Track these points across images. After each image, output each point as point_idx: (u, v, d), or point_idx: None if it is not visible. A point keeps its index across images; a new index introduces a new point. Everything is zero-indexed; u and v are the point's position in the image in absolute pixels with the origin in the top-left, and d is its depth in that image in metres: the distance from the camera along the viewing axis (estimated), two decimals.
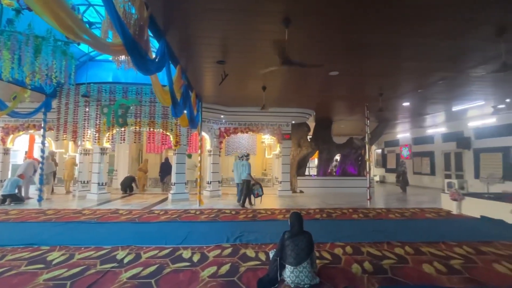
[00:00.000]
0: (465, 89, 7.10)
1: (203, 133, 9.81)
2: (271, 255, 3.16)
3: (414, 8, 3.43)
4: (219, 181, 10.18)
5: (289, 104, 9.36)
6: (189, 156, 10.62)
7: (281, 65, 3.67)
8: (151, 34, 3.70)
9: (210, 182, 9.81)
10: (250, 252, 3.81)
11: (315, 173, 13.20)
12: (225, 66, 5.37)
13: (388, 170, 17.16)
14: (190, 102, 5.89)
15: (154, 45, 4.66)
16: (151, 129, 8.49)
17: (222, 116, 9.88)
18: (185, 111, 5.81)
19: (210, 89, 7.38)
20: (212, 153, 9.99)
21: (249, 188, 7.70)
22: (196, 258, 3.57)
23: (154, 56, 3.37)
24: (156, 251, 3.80)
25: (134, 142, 8.53)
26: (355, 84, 6.88)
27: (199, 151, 8.26)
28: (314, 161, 15.52)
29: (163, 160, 11.66)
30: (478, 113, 10.23)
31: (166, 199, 8.82)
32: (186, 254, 3.71)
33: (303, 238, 2.86)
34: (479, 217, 6.23)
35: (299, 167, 12.05)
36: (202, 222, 5.69)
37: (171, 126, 8.32)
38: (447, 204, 7.24)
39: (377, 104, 7.91)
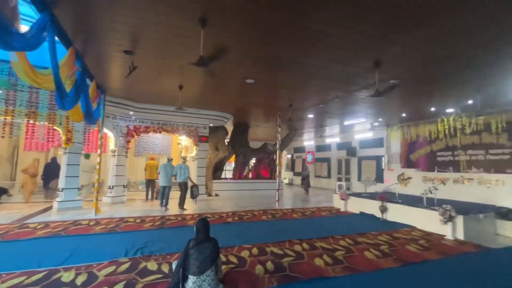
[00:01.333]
0: (353, 107, 8.66)
1: (106, 131, 8.55)
2: (174, 266, 2.95)
3: (315, 32, 3.92)
4: (124, 185, 9.03)
5: (208, 106, 9.23)
6: (87, 156, 9.04)
7: (196, 65, 3.53)
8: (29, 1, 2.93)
9: (113, 186, 8.59)
10: (152, 265, 3.47)
11: (231, 176, 13.45)
12: (134, 57, 4.81)
13: (296, 174, 19.17)
14: (86, 93, 5.00)
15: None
16: (32, 122, 6.79)
17: (131, 113, 8.85)
18: (79, 103, 4.89)
19: (116, 81, 6.49)
20: (117, 153, 8.79)
21: (186, 191, 7.88)
22: (80, 280, 2.98)
23: (30, 28, 2.65)
24: (23, 278, 2.98)
25: (2, 137, 6.60)
26: (269, 93, 7.37)
27: (99, 151, 7.10)
28: (232, 164, 15.84)
29: (49, 160, 9.53)
30: (361, 127, 12.66)
31: (50, 208, 7.19)
32: (67, 276, 3.05)
33: (209, 245, 2.79)
34: (359, 212, 7.64)
35: (216, 171, 12.01)
36: (96, 235, 4.86)
37: (61, 119, 6.87)
38: (338, 203, 8.58)
39: (288, 114, 8.72)
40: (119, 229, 5.26)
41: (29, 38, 2.50)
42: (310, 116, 10.25)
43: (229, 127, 12.85)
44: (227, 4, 3.24)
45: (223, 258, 3.73)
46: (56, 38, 3.55)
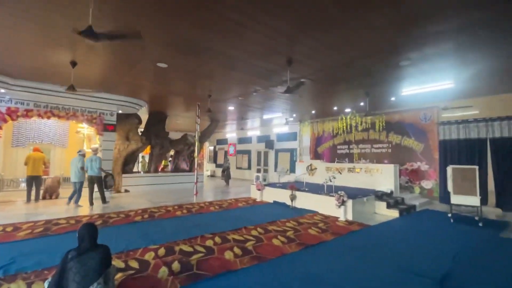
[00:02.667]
0: (271, 102, 9.09)
1: None
2: (46, 286, 2.38)
3: (230, 21, 3.78)
4: None
5: (114, 90, 8.00)
6: None
7: (81, 35, 2.87)
8: None
9: None
10: (18, 286, 2.73)
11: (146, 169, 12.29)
12: None
13: (218, 166, 19.12)
14: None
15: None
16: None
17: (3, 91, 6.83)
18: None
19: None
20: None
21: (102, 184, 7.54)
22: None
23: None
24: None
25: None
26: (186, 81, 6.91)
27: None
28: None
29: None
30: (278, 122, 13.52)
31: None
32: None
33: (95, 255, 2.35)
34: (272, 201, 8.14)
35: (126, 164, 10.70)
36: None
37: None
38: (255, 193, 8.94)
39: (207, 104, 8.44)
40: None
41: None
42: (231, 108, 10.24)
43: (144, 115, 11.61)
44: None
45: (121, 265, 3.28)
46: None
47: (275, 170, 14.08)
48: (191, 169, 12.70)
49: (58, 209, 6.61)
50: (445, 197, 7.47)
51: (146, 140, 11.08)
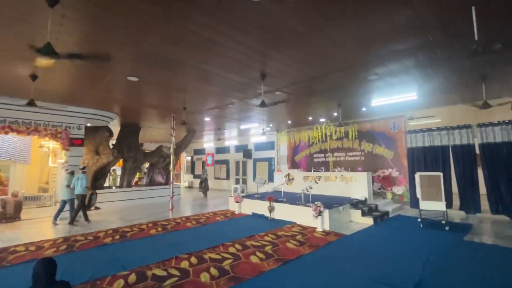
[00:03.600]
0: (247, 113, 9.11)
1: None
2: None
3: (201, 38, 3.77)
4: None
5: (81, 103, 7.59)
6: None
7: (37, 53, 2.68)
8: None
9: None
10: None
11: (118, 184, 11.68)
12: None
13: (196, 176, 18.67)
14: None
15: None
16: None
17: None
18: None
19: None
20: None
21: (83, 204, 7.36)
22: None
23: None
24: None
25: None
26: (160, 94, 6.73)
27: None
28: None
29: None
30: (255, 131, 13.58)
31: None
32: None
33: None
34: (251, 213, 8.06)
35: (97, 179, 10.11)
36: None
37: None
38: (233, 205, 8.80)
39: (182, 116, 8.26)
40: None
41: None
42: (207, 119, 10.12)
43: (116, 128, 11.11)
44: None
45: None
46: None
47: (254, 180, 14.04)
48: (167, 182, 12.28)
49: (17, 235, 6.03)
50: (415, 202, 7.85)
51: (118, 154, 10.57)
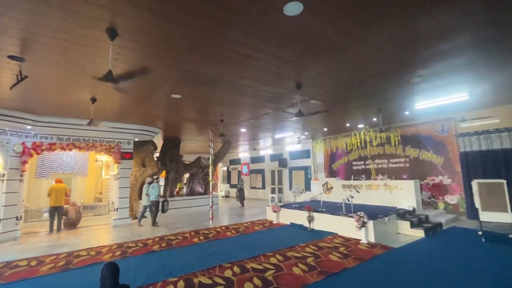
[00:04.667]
0: (282, 123, 9.15)
1: None
2: None
3: (240, 55, 3.95)
4: (17, 218, 7.26)
5: (131, 120, 8.34)
6: None
7: (102, 80, 3.08)
8: None
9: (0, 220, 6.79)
10: None
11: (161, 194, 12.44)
12: (24, 65, 3.93)
13: (232, 186, 19.08)
14: None
15: None
16: None
17: (29, 127, 7.27)
18: None
19: (2, 91, 5.21)
20: (6, 178, 7.02)
21: (157, 209, 8.57)
22: None
23: None
24: None
25: None
26: (199, 109, 7.12)
27: None
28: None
29: None
30: (290, 140, 13.51)
31: None
32: None
33: None
34: (289, 223, 7.96)
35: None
36: None
37: None
38: (271, 215, 8.79)
39: (219, 128, 8.60)
40: (1, 280, 4.09)
41: None
42: (243, 130, 10.38)
43: (159, 141, 11.95)
44: (138, 17, 2.94)
45: None
46: None
47: (290, 189, 13.89)
48: (206, 192, 12.75)
49: (79, 240, 6.74)
50: (473, 212, 7.05)
51: (162, 165, 11.32)
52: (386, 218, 6.38)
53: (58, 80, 4.74)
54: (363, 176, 10.15)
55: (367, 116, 8.51)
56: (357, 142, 10.78)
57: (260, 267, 4.39)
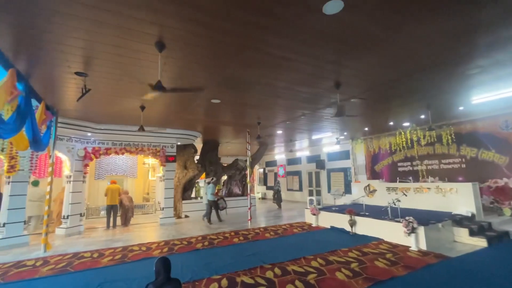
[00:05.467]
0: (319, 124, 8.94)
1: (60, 154, 7.83)
2: None
3: (275, 57, 3.98)
4: (81, 214, 8.21)
5: (174, 125, 8.90)
6: (35, 183, 8.13)
7: (153, 90, 3.36)
8: None
9: (67, 216, 7.76)
10: None
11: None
12: (87, 79, 4.47)
13: (269, 188, 19.14)
14: (33, 118, 4.50)
15: None
16: None
17: (89, 134, 8.21)
18: (23, 130, 4.38)
19: (70, 103, 5.97)
20: (72, 179, 8.01)
21: (216, 207, 9.45)
22: None
23: None
24: None
25: None
26: (237, 112, 7.31)
27: (49, 178, 6.36)
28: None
29: None
30: (328, 141, 13.11)
31: None
32: None
33: None
34: (329, 227, 7.71)
35: (185, 190, 11.52)
36: (42, 279, 4.25)
37: (2, 144, 6.11)
38: (309, 217, 8.62)
39: (257, 131, 8.72)
40: (71, 269, 4.67)
41: None
42: (279, 132, 10.38)
43: (198, 144, 12.53)
44: (182, 29, 3.16)
45: None
46: None
47: (329, 191, 13.47)
48: (243, 193, 12.98)
49: (131, 236, 7.37)
50: None
51: (202, 168, 11.84)
52: (440, 224, 5.82)
53: (113, 91, 5.29)
54: (411, 178, 9.40)
55: (413, 114, 7.88)
56: (402, 141, 10.04)
57: (301, 270, 4.34)
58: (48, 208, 6.11)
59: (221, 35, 3.32)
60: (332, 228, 7.59)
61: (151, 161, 12.87)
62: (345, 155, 13.24)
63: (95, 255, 5.47)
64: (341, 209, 8.04)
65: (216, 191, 9.49)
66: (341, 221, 7.40)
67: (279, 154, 18.41)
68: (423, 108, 7.11)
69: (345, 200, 10.80)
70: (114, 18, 2.92)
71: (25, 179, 6.67)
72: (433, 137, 9.27)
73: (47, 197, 6.12)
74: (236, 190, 13.31)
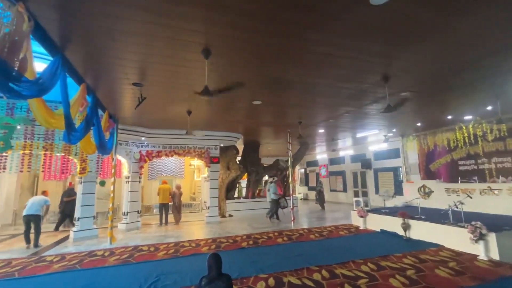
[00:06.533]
0: (364, 120, 8.46)
1: (120, 157, 8.73)
2: None
3: (317, 54, 3.89)
4: (138, 211, 9.06)
5: (217, 127, 9.28)
6: (102, 183, 9.21)
7: (200, 96, 3.56)
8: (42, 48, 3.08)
9: (127, 212, 8.63)
10: None
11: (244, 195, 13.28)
12: (143, 89, 4.92)
13: (310, 188, 18.72)
14: (99, 126, 5.12)
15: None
16: (49, 153, 7.02)
17: (143, 139, 9.02)
18: (92, 136, 5.01)
19: (128, 111, 6.64)
20: (130, 179, 8.89)
21: (277, 206, 9.77)
22: None
23: (41, 74, 2.75)
24: None
25: (21, 171, 6.82)
26: (277, 112, 7.33)
27: (113, 178, 7.16)
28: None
29: (65, 189, 9.73)
30: (375, 139, 12.31)
31: (66, 238, 7.26)
32: None
33: (221, 284, 2.64)
34: (379, 230, 7.24)
35: (228, 190, 11.91)
36: (110, 267, 4.80)
37: (76, 149, 7.06)
38: (356, 220, 8.20)
39: (298, 130, 8.61)
40: (133, 260, 5.18)
41: (42, 84, 2.58)
42: (321, 131, 10.10)
43: (240, 146, 12.84)
44: (226, 35, 3.29)
45: None
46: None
47: (377, 193, 12.65)
48: (285, 194, 12.91)
49: (181, 233, 7.88)
50: None
51: (244, 168, 12.12)
52: None
53: (164, 98, 5.74)
54: (475, 178, 8.31)
55: (477, 105, 6.97)
56: (463, 137, 8.94)
57: (350, 274, 4.15)
58: (112, 205, 6.88)
59: (264, 37, 3.37)
60: (383, 231, 7.11)
61: (196, 162, 13.59)
62: (394, 153, 12.30)
63: (152, 249, 5.97)
64: (392, 212, 7.49)
65: (275, 191, 9.80)
66: (392, 224, 6.89)
67: (320, 154, 17.89)
68: (491, 98, 6.24)
69: (396, 201, 10.01)
70: (164, 30, 3.17)
71: (94, 179, 7.61)
72: (503, 131, 8.06)
73: (111, 195, 6.89)
74: (278, 190, 13.28)
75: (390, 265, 4.49)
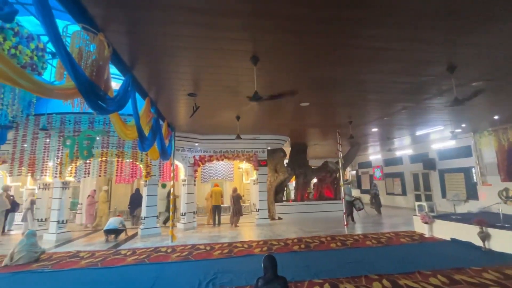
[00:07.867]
0: (425, 116, 7.63)
1: (177, 162, 9.49)
2: None
3: (369, 49, 3.68)
4: (194, 212, 9.71)
5: (264, 131, 9.43)
6: (164, 186, 10.14)
7: (250, 101, 3.69)
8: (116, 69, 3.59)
9: (185, 213, 9.32)
10: None
11: (293, 198, 13.15)
12: (196, 98, 5.31)
13: (363, 191, 17.58)
14: (160, 134, 5.68)
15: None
16: (120, 160, 8.04)
17: (196, 144, 9.67)
18: (155, 144, 5.59)
19: (183, 119, 7.23)
20: (186, 182, 9.60)
21: (351, 208, 9.72)
22: None
23: (117, 91, 3.21)
24: None
25: (99, 176, 7.95)
26: (325, 113, 7.12)
27: (172, 182, 7.86)
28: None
29: (133, 191, 10.98)
30: (439, 136, 10.99)
31: (135, 235, 8.17)
32: None
33: (278, 286, 2.68)
34: (449, 239, 6.41)
35: (277, 193, 11.94)
36: (172, 263, 5.25)
37: (141, 156, 7.94)
38: (420, 226, 7.41)
39: (348, 130, 8.22)
40: (192, 257, 5.58)
41: (119, 100, 3.02)
42: (374, 130, 9.44)
43: (287, 148, 12.79)
44: (273, 40, 3.35)
45: None
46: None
47: (444, 196, 11.26)
48: (335, 197, 12.39)
49: (234, 234, 8.18)
50: None
51: (291, 171, 12.02)
52: None
53: (215, 105, 6.09)
54: None
55: None
56: None
57: (416, 286, 3.77)
58: (173, 206, 7.53)
59: (312, 38, 3.34)
60: (453, 240, 6.28)
61: (244, 165, 13.99)
62: (464, 152, 10.78)
63: (208, 248, 6.34)
64: (464, 218, 6.57)
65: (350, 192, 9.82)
66: (465, 232, 6.04)
67: (373, 155, 16.70)
68: None
69: (469, 207, 8.75)
70: (214, 42, 3.38)
71: (156, 182, 8.44)
72: None
73: (171, 197, 7.54)
74: (328, 193, 12.84)
75: (467, 280, 3.94)
